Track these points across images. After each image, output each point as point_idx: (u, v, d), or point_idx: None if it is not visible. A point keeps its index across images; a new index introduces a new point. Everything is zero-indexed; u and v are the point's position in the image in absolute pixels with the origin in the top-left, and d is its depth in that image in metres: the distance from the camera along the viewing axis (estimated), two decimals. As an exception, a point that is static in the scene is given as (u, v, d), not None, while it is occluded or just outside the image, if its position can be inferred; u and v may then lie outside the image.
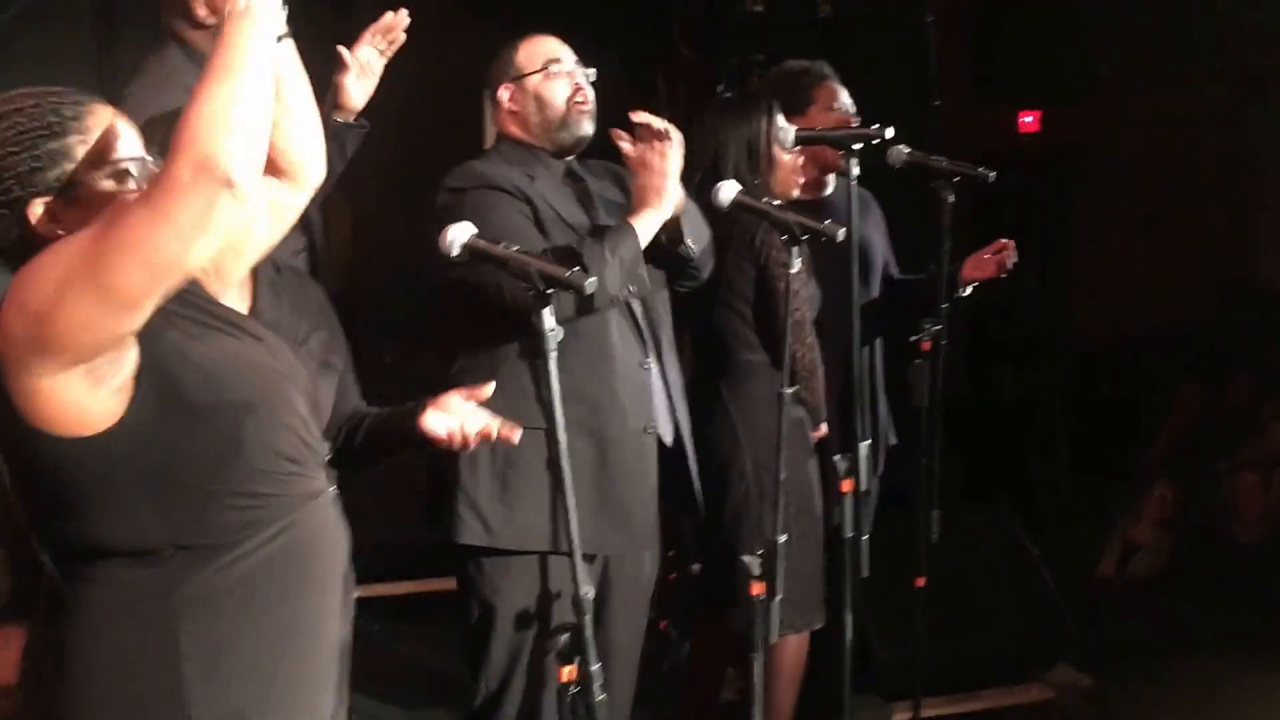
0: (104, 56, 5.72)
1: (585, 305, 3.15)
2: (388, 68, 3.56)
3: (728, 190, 3.50)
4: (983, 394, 7.31)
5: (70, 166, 2.04)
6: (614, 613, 3.51)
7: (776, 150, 3.96)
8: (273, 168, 2.29)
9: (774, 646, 3.87)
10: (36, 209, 2.02)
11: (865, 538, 3.90)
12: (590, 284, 2.83)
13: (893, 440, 4.57)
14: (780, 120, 3.99)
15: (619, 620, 3.53)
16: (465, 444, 2.79)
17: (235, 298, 2.73)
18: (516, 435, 2.76)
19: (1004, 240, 4.38)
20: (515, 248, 2.93)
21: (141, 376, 2.01)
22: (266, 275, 2.85)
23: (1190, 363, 7.23)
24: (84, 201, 2.04)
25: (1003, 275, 4.38)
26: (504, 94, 3.53)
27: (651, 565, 3.65)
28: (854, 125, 4.27)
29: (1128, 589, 6.31)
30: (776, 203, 3.66)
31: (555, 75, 3.50)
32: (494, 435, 2.76)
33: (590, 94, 3.52)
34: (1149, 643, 5.60)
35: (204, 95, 1.93)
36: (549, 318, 2.82)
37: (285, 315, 2.85)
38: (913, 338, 4.26)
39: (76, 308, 1.89)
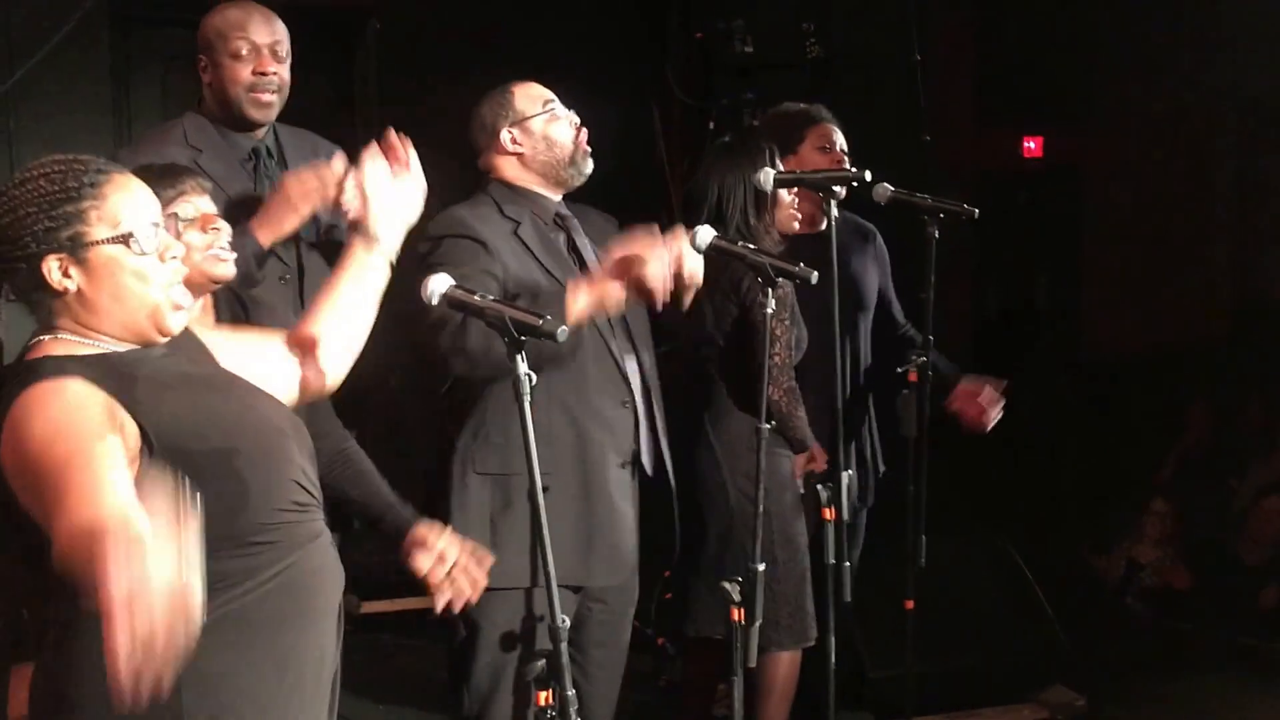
0: (119, 106, 5.92)
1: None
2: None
3: (704, 235, 3.53)
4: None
5: (82, 229, 2.20)
6: (593, 636, 3.65)
7: (780, 192, 4.09)
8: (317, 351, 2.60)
9: (766, 664, 4.05)
10: (50, 265, 2.20)
11: (848, 564, 3.95)
12: (562, 332, 2.89)
13: (881, 468, 4.68)
14: (779, 165, 4.10)
15: (598, 643, 3.67)
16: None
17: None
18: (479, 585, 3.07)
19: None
20: (491, 297, 3.01)
21: (149, 449, 2.16)
22: (229, 315, 3.04)
23: (1200, 382, 7.25)
24: (92, 262, 2.22)
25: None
26: (505, 136, 3.64)
27: (632, 591, 3.77)
28: (842, 166, 4.39)
29: (1132, 608, 6.39)
30: (751, 246, 3.67)
31: (557, 116, 3.64)
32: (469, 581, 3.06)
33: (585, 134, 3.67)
34: (1146, 662, 5.68)
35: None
36: (523, 363, 2.88)
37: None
38: (900, 369, 4.38)
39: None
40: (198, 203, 2.91)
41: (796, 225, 4.20)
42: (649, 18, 6.48)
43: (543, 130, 3.63)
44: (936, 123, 6.37)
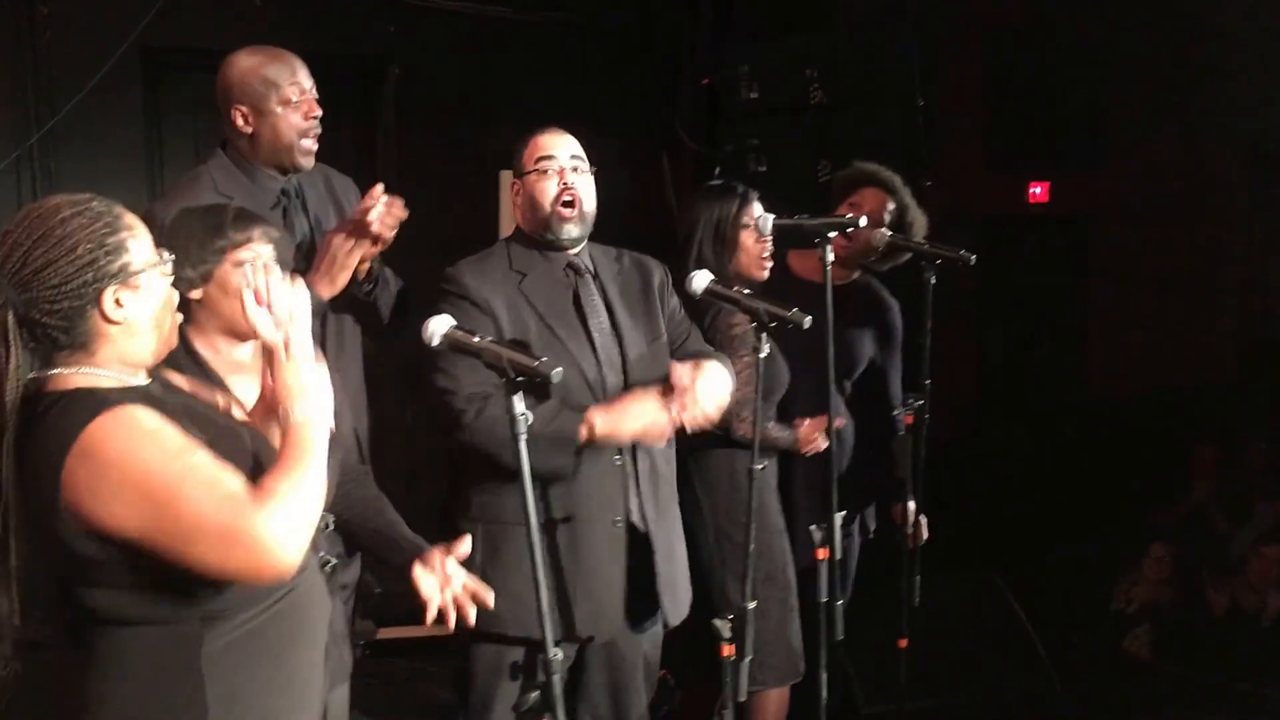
0: (152, 150, 6.09)
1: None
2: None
3: (700, 279, 3.61)
4: (994, 457, 7.43)
5: (127, 257, 2.27)
6: (595, 679, 3.70)
7: (743, 235, 4.14)
8: None
9: (757, 700, 4.11)
10: (107, 297, 2.25)
11: (840, 602, 4.02)
12: (557, 374, 2.95)
13: (871, 526, 4.73)
14: (757, 208, 4.15)
15: (601, 685, 3.71)
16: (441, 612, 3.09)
17: (249, 382, 2.97)
18: (471, 614, 3.09)
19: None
20: (489, 339, 3.07)
21: None
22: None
23: (1205, 425, 7.32)
24: (138, 288, 2.29)
25: None
26: (513, 188, 3.69)
27: (648, 644, 3.79)
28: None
29: (1128, 649, 6.43)
30: (746, 291, 3.70)
31: (545, 175, 3.60)
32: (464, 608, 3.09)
33: (581, 193, 3.60)
34: (1139, 704, 5.75)
35: (287, 496, 2.21)
36: (519, 403, 2.95)
37: None
38: (895, 412, 4.48)
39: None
40: (261, 251, 2.95)
41: (765, 274, 4.22)
42: (659, 64, 6.61)
43: (529, 187, 3.63)
44: (944, 167, 6.46)
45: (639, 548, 3.64)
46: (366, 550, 3.34)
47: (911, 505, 4.49)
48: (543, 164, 3.61)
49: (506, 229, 6.05)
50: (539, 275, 3.62)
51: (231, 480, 2.19)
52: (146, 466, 2.16)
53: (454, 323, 3.09)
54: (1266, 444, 7.15)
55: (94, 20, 5.80)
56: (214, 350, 2.96)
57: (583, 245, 3.70)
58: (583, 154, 3.67)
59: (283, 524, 2.16)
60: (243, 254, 2.93)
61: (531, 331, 3.54)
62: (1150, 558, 6.56)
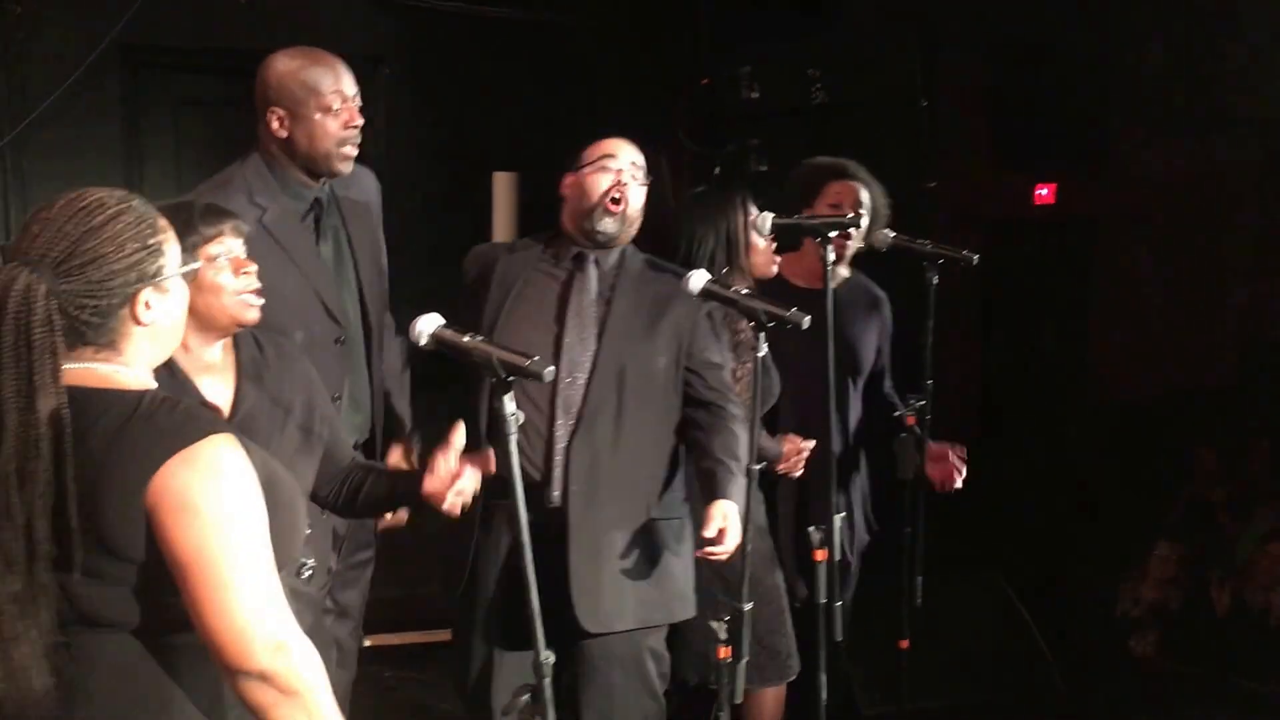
0: (130, 149, 6.05)
1: None
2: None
3: (697, 279, 3.57)
4: (998, 458, 7.40)
5: (163, 260, 2.26)
6: (583, 689, 3.72)
7: (753, 238, 4.15)
8: None
9: (752, 700, 4.10)
10: (141, 299, 2.23)
11: (840, 604, 4.00)
12: (548, 373, 2.92)
13: (874, 527, 4.72)
14: (754, 211, 4.15)
15: (593, 696, 3.73)
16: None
17: (219, 383, 3.01)
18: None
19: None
20: (479, 338, 3.00)
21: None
22: (249, 354, 3.09)
23: (1209, 427, 7.28)
24: (167, 291, 2.28)
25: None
26: (567, 182, 3.77)
27: (634, 644, 3.77)
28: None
29: (1134, 649, 6.37)
30: (744, 290, 3.68)
31: (604, 171, 3.71)
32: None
33: (630, 197, 3.72)
34: (1144, 704, 5.71)
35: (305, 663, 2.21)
36: (510, 403, 2.88)
37: (268, 394, 3.07)
38: (896, 413, 4.44)
39: None
40: (232, 245, 2.98)
41: (774, 270, 4.24)
42: (658, 65, 6.58)
43: (583, 179, 3.72)
44: (948, 169, 6.42)
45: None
46: (377, 509, 3.30)
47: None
48: (604, 161, 3.74)
49: (500, 232, 6.04)
50: (523, 257, 3.77)
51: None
52: (226, 513, 2.15)
53: (442, 322, 3.04)
54: (1269, 444, 7.11)
55: (71, 19, 5.77)
56: (183, 349, 2.91)
57: (618, 249, 3.79)
58: (643, 165, 3.79)
59: (281, 657, 2.16)
60: (213, 248, 2.94)
61: (500, 303, 3.68)
62: (1156, 557, 6.50)
